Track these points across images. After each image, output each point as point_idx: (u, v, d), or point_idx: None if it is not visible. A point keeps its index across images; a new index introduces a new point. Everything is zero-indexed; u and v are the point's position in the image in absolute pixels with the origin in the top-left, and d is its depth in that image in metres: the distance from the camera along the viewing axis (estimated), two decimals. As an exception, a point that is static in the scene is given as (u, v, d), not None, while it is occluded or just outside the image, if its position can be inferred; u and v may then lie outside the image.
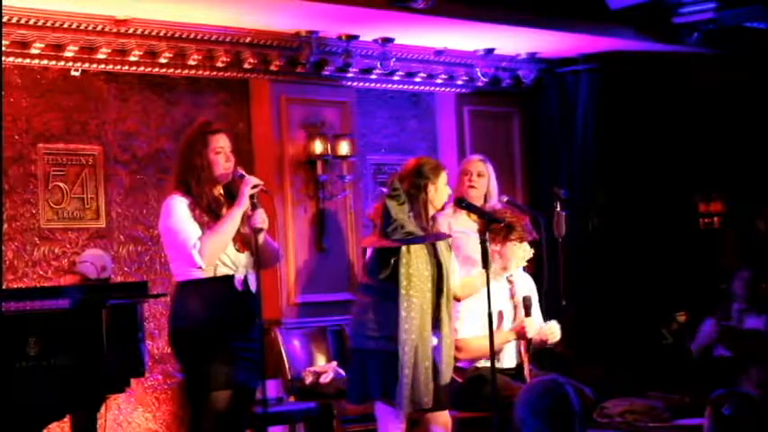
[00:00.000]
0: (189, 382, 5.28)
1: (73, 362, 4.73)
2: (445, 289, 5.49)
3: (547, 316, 6.20)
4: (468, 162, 6.71)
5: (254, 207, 5.21)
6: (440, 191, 5.58)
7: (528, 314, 5.90)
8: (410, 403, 5.36)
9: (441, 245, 5.57)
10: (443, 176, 5.61)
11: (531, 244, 6.05)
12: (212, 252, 5.08)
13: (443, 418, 5.55)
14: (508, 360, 5.91)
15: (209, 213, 5.15)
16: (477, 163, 6.63)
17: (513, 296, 5.97)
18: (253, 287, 5.26)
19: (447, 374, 5.51)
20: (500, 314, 5.87)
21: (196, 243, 5.04)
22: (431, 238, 5.47)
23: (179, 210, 5.13)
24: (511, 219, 5.91)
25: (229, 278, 5.18)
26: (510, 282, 5.97)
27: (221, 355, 5.10)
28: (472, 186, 6.51)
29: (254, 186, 5.22)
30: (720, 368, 7.57)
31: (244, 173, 5.29)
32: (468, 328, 5.82)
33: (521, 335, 5.86)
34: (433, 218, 5.65)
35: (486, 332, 5.43)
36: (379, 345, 5.39)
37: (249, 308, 5.25)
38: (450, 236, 5.63)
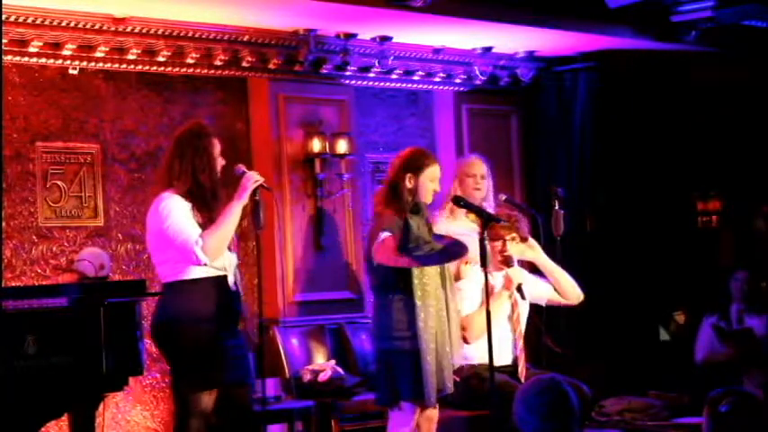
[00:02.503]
0: (175, 380, 5.31)
1: (71, 360, 4.73)
2: (448, 279, 5.52)
3: (547, 316, 6.23)
4: (472, 165, 6.68)
5: (256, 204, 5.25)
6: (421, 185, 5.54)
7: (510, 266, 5.95)
8: (435, 392, 5.38)
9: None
10: (428, 172, 5.56)
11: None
12: (216, 248, 5.09)
13: (430, 412, 5.56)
14: (504, 356, 5.91)
15: (210, 218, 5.16)
16: (481, 165, 6.65)
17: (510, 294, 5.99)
18: (240, 287, 5.31)
19: (456, 357, 5.52)
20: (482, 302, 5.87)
21: (198, 240, 5.04)
22: (451, 255, 5.45)
23: (179, 210, 5.13)
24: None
25: (224, 278, 5.21)
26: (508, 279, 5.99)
27: (210, 354, 5.12)
28: (477, 189, 6.55)
29: (256, 182, 5.26)
30: (722, 369, 7.57)
31: (245, 170, 5.32)
32: (468, 305, 5.84)
33: (508, 285, 5.89)
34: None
35: (472, 310, 5.54)
36: (407, 344, 5.39)
37: (238, 307, 5.28)
38: (467, 248, 5.57)
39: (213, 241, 5.08)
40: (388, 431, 5.58)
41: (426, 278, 5.40)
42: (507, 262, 5.95)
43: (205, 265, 5.10)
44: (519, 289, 5.95)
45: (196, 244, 5.05)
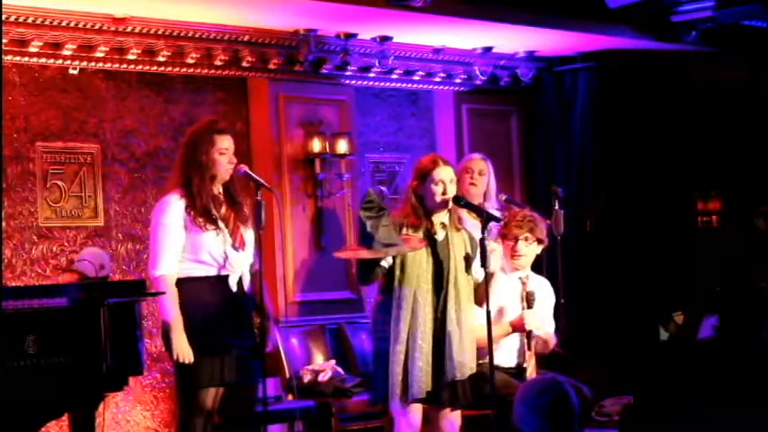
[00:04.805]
0: (178, 378, 5.33)
1: (71, 360, 4.72)
2: (451, 284, 5.47)
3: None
4: (469, 160, 6.77)
5: (257, 204, 5.28)
6: (428, 190, 5.50)
7: (529, 307, 5.87)
8: (403, 395, 5.35)
9: (453, 238, 5.55)
10: (432, 175, 5.52)
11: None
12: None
13: (451, 416, 5.54)
14: (507, 359, 5.90)
15: (204, 215, 5.19)
16: (478, 162, 6.68)
17: (524, 298, 5.93)
18: (247, 287, 5.31)
19: (461, 371, 5.47)
20: (500, 310, 5.85)
21: (162, 267, 5.19)
22: (397, 247, 5.40)
23: (171, 213, 5.19)
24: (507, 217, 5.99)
25: (225, 278, 5.22)
26: (523, 282, 5.95)
27: (211, 353, 5.14)
28: (473, 184, 6.58)
29: (258, 185, 5.30)
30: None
31: (248, 170, 5.35)
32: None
33: (518, 327, 5.84)
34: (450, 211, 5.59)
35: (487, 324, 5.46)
36: (383, 345, 5.39)
37: (243, 307, 5.29)
38: (424, 243, 5.50)
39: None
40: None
41: (406, 282, 5.37)
42: (529, 302, 5.90)
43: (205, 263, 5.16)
44: (529, 336, 5.91)
45: (158, 269, 5.20)
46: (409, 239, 5.40)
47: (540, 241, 5.99)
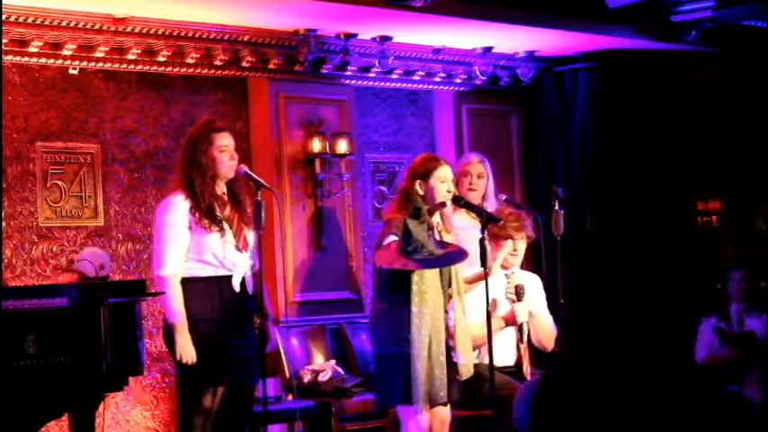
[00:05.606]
0: (179, 378, 5.34)
1: (71, 360, 4.73)
2: (454, 283, 5.49)
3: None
4: (467, 164, 6.63)
5: (257, 204, 5.29)
6: (432, 188, 5.52)
7: (519, 300, 5.91)
8: (427, 399, 5.36)
9: (447, 238, 5.56)
10: (437, 174, 5.54)
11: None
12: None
13: (442, 413, 5.55)
14: (507, 358, 5.91)
15: (208, 216, 5.19)
16: (477, 165, 6.58)
17: (512, 292, 5.98)
18: (249, 288, 5.31)
19: (465, 369, 5.49)
20: (494, 302, 5.85)
21: (168, 266, 5.19)
22: (448, 260, 5.44)
23: (176, 213, 5.18)
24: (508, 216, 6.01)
25: (228, 278, 5.22)
26: (507, 277, 5.97)
27: (212, 353, 5.14)
28: (471, 189, 6.48)
29: (258, 185, 5.30)
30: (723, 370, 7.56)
31: (248, 170, 5.36)
32: (473, 313, 5.83)
33: (510, 320, 5.87)
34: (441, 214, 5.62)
35: (480, 319, 5.49)
36: (400, 349, 5.39)
37: (245, 308, 5.29)
38: (467, 253, 5.56)
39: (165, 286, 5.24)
40: None
41: (425, 286, 5.38)
42: (518, 295, 5.92)
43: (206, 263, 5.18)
44: (520, 328, 5.94)
45: (163, 268, 5.20)
46: (459, 251, 5.43)
47: (529, 238, 6.03)
